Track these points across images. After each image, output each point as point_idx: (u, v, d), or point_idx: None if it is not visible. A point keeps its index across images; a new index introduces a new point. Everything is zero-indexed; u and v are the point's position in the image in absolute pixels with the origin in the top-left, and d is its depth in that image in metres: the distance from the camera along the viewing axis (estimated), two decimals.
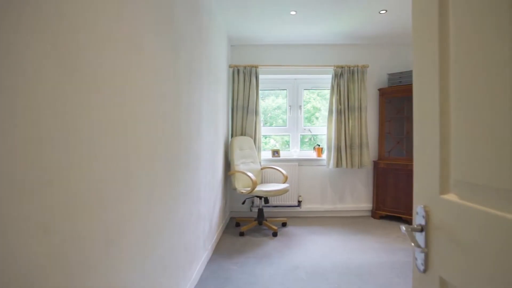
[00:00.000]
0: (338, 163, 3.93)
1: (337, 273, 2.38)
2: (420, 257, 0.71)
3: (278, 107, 4.37)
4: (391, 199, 3.80)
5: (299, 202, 4.09)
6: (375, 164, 3.96)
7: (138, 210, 1.28)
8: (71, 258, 0.85)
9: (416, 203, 0.73)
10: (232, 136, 3.97)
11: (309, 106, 4.34)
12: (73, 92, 0.86)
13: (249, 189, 3.30)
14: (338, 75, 3.92)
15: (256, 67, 3.93)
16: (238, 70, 3.94)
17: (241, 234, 3.29)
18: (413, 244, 0.66)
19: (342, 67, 3.92)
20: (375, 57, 4.09)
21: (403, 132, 4.01)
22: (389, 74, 3.82)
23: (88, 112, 0.93)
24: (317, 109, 4.35)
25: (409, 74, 3.65)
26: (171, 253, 1.69)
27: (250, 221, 3.65)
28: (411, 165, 3.58)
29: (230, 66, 3.94)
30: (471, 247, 0.54)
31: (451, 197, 0.61)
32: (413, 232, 0.71)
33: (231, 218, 3.98)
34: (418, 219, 0.72)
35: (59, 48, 0.80)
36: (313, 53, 4.10)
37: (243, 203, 3.58)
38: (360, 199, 4.12)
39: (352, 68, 3.92)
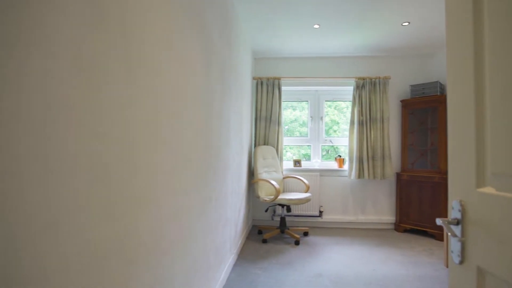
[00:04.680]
0: (360, 174, 3.93)
1: (362, 283, 2.38)
2: (456, 249, 0.76)
3: (295, 120, 4.44)
4: (415, 212, 3.74)
5: (321, 212, 4.09)
6: (398, 176, 3.92)
7: (176, 213, 1.38)
8: (127, 254, 0.95)
9: (451, 198, 0.79)
10: (255, 145, 4.07)
11: (327, 119, 4.39)
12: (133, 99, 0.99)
13: (272, 197, 3.36)
14: (359, 87, 3.97)
15: (278, 79, 4.05)
16: (262, 82, 4.07)
17: (264, 241, 3.33)
18: (449, 233, 0.71)
19: (363, 79, 3.97)
20: (397, 69, 4.12)
21: (427, 143, 3.98)
22: (412, 86, 3.83)
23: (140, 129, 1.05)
24: (335, 122, 4.38)
25: (433, 85, 3.64)
26: (203, 254, 1.76)
27: (272, 229, 3.69)
28: (437, 177, 3.53)
29: (254, 78, 4.07)
30: (510, 237, 0.59)
31: (488, 190, 0.66)
32: (450, 225, 0.76)
33: (254, 226, 4.03)
34: (453, 213, 0.77)
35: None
36: (335, 65, 4.18)
37: (266, 210, 3.63)
38: (382, 211, 4.08)
39: (373, 79, 3.96)
